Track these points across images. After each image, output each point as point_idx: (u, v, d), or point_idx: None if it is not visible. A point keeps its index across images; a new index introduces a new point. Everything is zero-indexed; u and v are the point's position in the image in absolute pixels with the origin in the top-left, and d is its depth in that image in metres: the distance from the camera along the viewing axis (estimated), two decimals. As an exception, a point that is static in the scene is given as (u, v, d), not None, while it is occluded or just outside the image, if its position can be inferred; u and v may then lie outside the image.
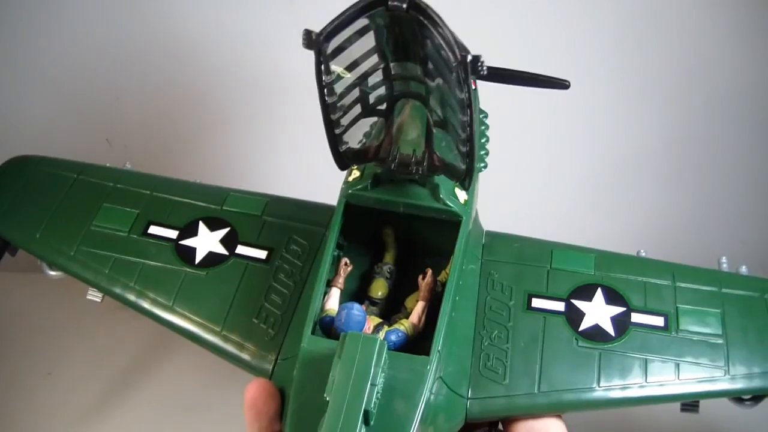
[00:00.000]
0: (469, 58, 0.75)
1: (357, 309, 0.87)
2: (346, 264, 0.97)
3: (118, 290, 1.02)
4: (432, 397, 0.84)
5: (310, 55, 0.81)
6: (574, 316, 0.98)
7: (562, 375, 0.93)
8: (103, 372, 1.60)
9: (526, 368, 0.93)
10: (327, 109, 0.86)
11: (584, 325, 0.97)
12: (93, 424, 1.52)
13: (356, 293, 0.99)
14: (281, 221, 1.06)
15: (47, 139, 1.54)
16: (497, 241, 1.06)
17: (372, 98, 0.91)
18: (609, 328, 0.97)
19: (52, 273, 1.09)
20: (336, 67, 0.84)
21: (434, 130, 0.91)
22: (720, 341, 0.97)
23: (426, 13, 0.76)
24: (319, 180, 1.10)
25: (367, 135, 1.00)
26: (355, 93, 0.89)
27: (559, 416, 0.94)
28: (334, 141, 0.90)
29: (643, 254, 1.08)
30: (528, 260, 1.04)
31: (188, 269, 1.02)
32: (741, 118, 1.64)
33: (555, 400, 0.92)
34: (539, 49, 1.58)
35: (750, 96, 1.61)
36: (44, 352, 1.63)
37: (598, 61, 1.62)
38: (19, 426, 1.52)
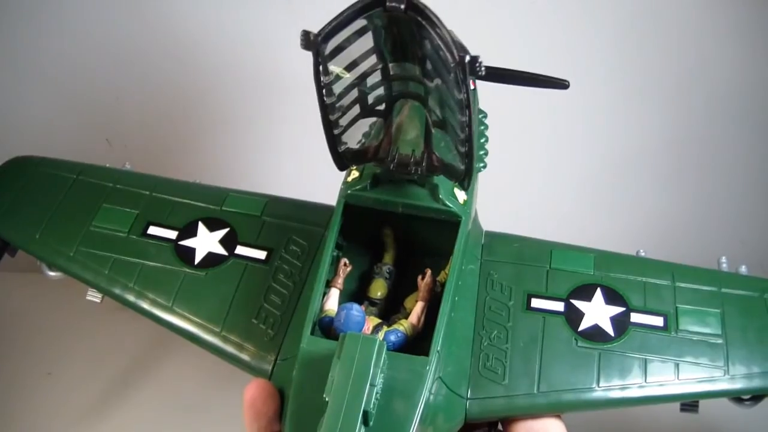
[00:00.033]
0: (468, 58, 0.75)
1: (356, 309, 0.87)
2: (345, 264, 0.97)
3: (117, 291, 1.02)
4: (431, 397, 0.84)
5: (310, 55, 0.81)
6: (573, 316, 0.98)
7: (562, 375, 0.93)
8: (102, 372, 1.61)
9: (525, 368, 0.93)
10: (326, 109, 0.86)
11: (584, 325, 0.97)
12: (93, 424, 1.52)
13: (355, 293, 0.99)
14: (280, 221, 1.06)
15: (47, 139, 1.54)
16: (496, 241, 1.06)
17: (371, 99, 0.91)
18: (608, 328, 0.97)
19: (52, 273, 1.09)
20: (334, 67, 0.84)
21: (433, 131, 0.91)
22: (719, 341, 0.97)
23: (424, 13, 0.76)
24: (318, 180, 1.10)
25: (366, 135, 1.00)
26: (354, 93, 0.89)
27: (558, 416, 0.94)
28: (333, 141, 0.90)
29: (643, 254, 1.08)
30: (527, 260, 1.04)
31: (187, 270, 1.02)
32: (741, 118, 1.64)
33: (554, 400, 0.92)
34: (539, 49, 1.58)
35: (750, 96, 1.61)
36: (44, 352, 1.64)
37: (598, 61, 1.62)
38: (19, 426, 1.52)
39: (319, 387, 0.76)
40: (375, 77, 0.89)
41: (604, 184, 1.75)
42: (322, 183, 1.03)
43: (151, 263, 1.03)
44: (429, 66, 0.84)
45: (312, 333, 0.87)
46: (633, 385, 0.93)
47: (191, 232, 1.06)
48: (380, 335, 0.88)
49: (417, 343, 0.89)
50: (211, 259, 1.03)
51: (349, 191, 0.96)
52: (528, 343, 0.95)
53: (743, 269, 1.06)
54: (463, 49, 0.76)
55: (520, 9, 1.58)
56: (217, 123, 1.73)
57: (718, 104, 1.63)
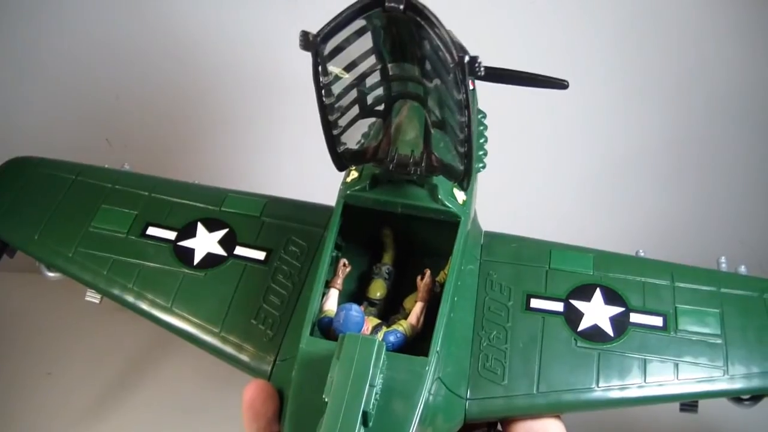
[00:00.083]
0: (467, 59, 0.75)
1: (355, 310, 0.87)
2: (344, 265, 0.97)
3: (116, 291, 1.02)
4: (431, 397, 0.83)
5: (309, 55, 0.81)
6: (572, 317, 0.98)
7: (561, 375, 0.93)
8: (102, 372, 1.61)
9: (524, 369, 0.93)
10: (325, 110, 0.86)
11: (583, 326, 0.97)
12: (92, 424, 1.52)
13: (355, 294, 0.99)
14: (280, 222, 1.06)
15: (47, 139, 1.54)
16: (496, 241, 1.06)
17: (370, 99, 0.91)
18: (608, 329, 0.97)
19: (51, 274, 1.09)
20: (334, 68, 0.84)
21: (432, 131, 0.91)
22: (719, 341, 0.97)
23: (423, 14, 0.76)
24: (317, 181, 1.10)
25: (365, 136, 1.00)
26: (353, 94, 0.89)
27: (558, 416, 0.94)
28: (332, 142, 0.90)
29: (642, 254, 1.08)
30: (526, 260, 1.04)
31: (187, 270, 1.02)
32: (741, 118, 1.64)
33: (554, 400, 0.92)
34: (538, 49, 1.58)
35: (750, 96, 1.61)
36: (44, 352, 1.64)
37: (598, 61, 1.62)
38: (19, 426, 1.52)
39: (319, 388, 0.76)
40: (374, 78, 0.89)
41: (604, 184, 1.75)
42: (321, 183, 1.03)
43: (150, 264, 1.03)
44: (428, 66, 0.84)
45: (311, 333, 0.87)
46: (632, 385, 0.93)
47: (190, 233, 1.06)
48: (379, 336, 0.88)
49: (416, 344, 0.89)
50: (210, 259, 1.03)
51: (348, 192, 0.96)
52: (527, 344, 0.95)
53: (742, 269, 1.05)
54: (462, 50, 0.76)
55: (520, 9, 1.58)
56: (217, 123, 1.73)
57: (718, 104, 1.63)
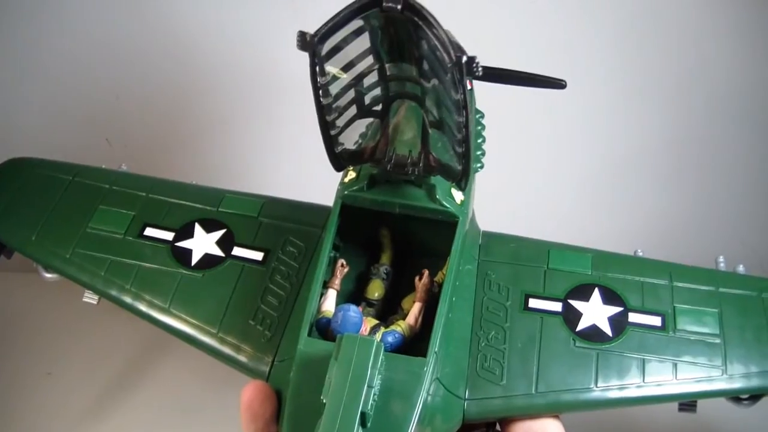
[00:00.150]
0: (464, 59, 0.75)
1: (353, 311, 0.87)
2: (342, 265, 0.97)
3: (114, 293, 1.02)
4: (429, 398, 0.83)
5: (307, 56, 0.80)
6: (571, 317, 0.98)
7: (560, 375, 0.93)
8: (101, 373, 1.61)
9: (523, 369, 0.93)
10: (322, 110, 0.86)
11: (581, 326, 0.97)
12: (92, 424, 1.52)
13: (353, 294, 0.99)
14: (277, 222, 1.06)
15: (47, 139, 1.55)
16: (494, 241, 1.06)
17: (367, 99, 0.91)
18: (606, 328, 0.97)
19: (48, 275, 1.09)
20: (331, 68, 0.84)
21: (430, 131, 0.90)
22: (717, 341, 0.97)
23: (421, 14, 0.76)
24: (315, 181, 1.10)
25: (363, 136, 1.00)
26: (351, 94, 0.89)
27: (556, 417, 0.94)
28: (330, 142, 0.90)
29: (641, 254, 1.08)
30: (525, 260, 1.03)
31: (184, 271, 1.02)
32: (741, 118, 1.64)
33: (552, 400, 0.92)
34: (538, 49, 1.58)
35: (750, 96, 1.61)
36: (44, 352, 1.64)
37: (598, 61, 1.62)
38: (19, 426, 1.52)
39: (317, 388, 0.76)
40: (372, 78, 0.88)
41: (604, 184, 1.75)
42: (319, 184, 1.03)
43: (148, 265, 1.03)
44: (426, 66, 0.84)
45: (309, 334, 0.87)
46: (631, 385, 0.93)
47: (188, 234, 1.06)
48: (377, 336, 0.88)
49: (414, 344, 0.89)
50: (208, 260, 1.03)
51: (346, 192, 0.96)
52: (526, 344, 0.95)
53: (741, 268, 1.05)
54: (460, 50, 0.76)
55: (520, 9, 1.58)
56: (216, 123, 1.73)
57: (718, 104, 1.63)
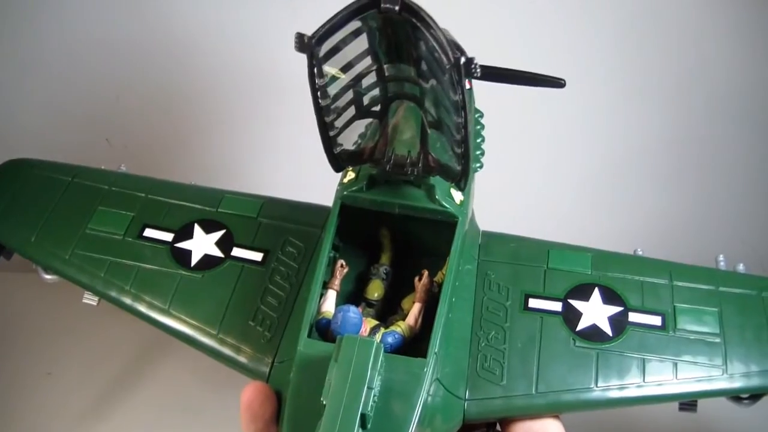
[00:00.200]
0: (463, 60, 0.75)
1: (353, 311, 0.87)
2: (342, 266, 0.97)
3: (113, 294, 1.02)
4: (429, 398, 0.83)
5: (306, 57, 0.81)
6: (571, 316, 0.98)
7: (560, 375, 0.93)
8: (101, 373, 1.61)
9: (523, 369, 0.93)
10: (321, 111, 0.86)
11: (581, 325, 0.97)
12: (92, 425, 1.52)
13: (352, 295, 0.99)
14: (277, 223, 1.06)
15: (47, 139, 1.55)
16: (494, 241, 1.06)
17: (366, 100, 0.91)
18: (606, 328, 0.97)
19: (48, 277, 1.09)
20: (330, 68, 0.84)
21: (429, 131, 0.90)
22: (717, 340, 0.96)
23: (419, 15, 0.76)
24: (315, 181, 1.10)
25: (362, 136, 1.00)
26: (349, 95, 0.89)
27: (557, 417, 0.94)
28: (329, 143, 0.90)
29: (640, 253, 1.08)
30: (525, 260, 1.03)
31: (184, 272, 1.02)
32: (741, 118, 1.64)
33: (552, 400, 0.92)
34: (539, 49, 1.58)
35: (750, 96, 1.61)
36: (43, 352, 1.64)
37: (598, 61, 1.62)
38: (19, 426, 1.53)
39: (317, 390, 0.76)
40: (370, 78, 0.88)
41: (604, 184, 1.75)
42: (318, 184, 1.03)
43: (147, 266, 1.03)
44: (424, 67, 0.83)
45: (309, 335, 0.87)
46: (631, 384, 0.93)
47: (187, 234, 1.06)
48: (377, 337, 0.88)
49: (414, 345, 0.89)
50: (208, 261, 1.03)
51: (345, 192, 0.96)
52: (526, 344, 0.95)
53: (741, 267, 1.05)
54: (458, 50, 0.76)
55: (520, 8, 1.58)
56: (217, 123, 1.73)
57: (718, 104, 1.63)
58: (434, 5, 0.79)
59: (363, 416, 0.74)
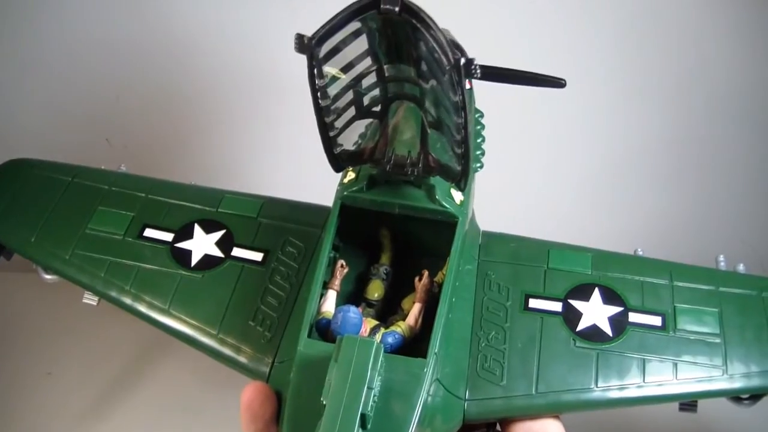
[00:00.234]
0: (462, 61, 0.75)
1: (353, 312, 0.87)
2: (342, 266, 0.97)
3: (113, 294, 1.02)
4: (429, 399, 0.83)
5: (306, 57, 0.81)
6: (571, 317, 0.98)
7: (560, 376, 0.93)
8: (101, 373, 1.61)
9: (523, 369, 0.93)
10: (321, 112, 0.86)
11: (582, 326, 0.97)
12: (92, 425, 1.52)
13: (353, 295, 0.99)
14: (277, 223, 1.06)
15: (47, 139, 1.55)
16: (494, 241, 1.06)
17: (366, 100, 0.91)
18: (606, 328, 0.97)
19: (48, 277, 1.09)
20: (330, 69, 0.84)
21: (429, 132, 0.90)
22: (718, 340, 0.96)
23: (418, 15, 0.75)
24: (315, 181, 1.10)
25: (362, 136, 1.00)
26: (349, 95, 0.89)
27: (557, 417, 0.94)
28: (329, 143, 0.90)
29: (641, 253, 1.08)
30: (525, 260, 1.03)
31: (184, 272, 1.02)
32: (741, 118, 1.64)
33: (553, 400, 0.92)
34: (539, 49, 1.58)
35: (750, 96, 1.61)
36: (43, 352, 1.64)
37: (598, 61, 1.62)
38: (19, 426, 1.52)
39: (317, 390, 0.76)
40: (370, 79, 0.88)
41: (604, 184, 1.75)
42: (318, 184, 1.03)
43: (148, 266, 1.03)
44: (424, 67, 0.83)
45: (309, 335, 0.87)
46: (631, 385, 0.93)
47: (187, 234, 1.06)
48: (377, 337, 0.88)
49: (414, 345, 0.89)
50: (208, 261, 1.03)
51: (345, 192, 0.96)
52: (526, 344, 0.95)
53: (741, 267, 1.05)
54: (458, 51, 0.76)
55: (520, 8, 1.58)
56: (216, 123, 1.73)
57: (718, 104, 1.63)
58: (434, 5, 0.79)
59: (363, 416, 0.74)
